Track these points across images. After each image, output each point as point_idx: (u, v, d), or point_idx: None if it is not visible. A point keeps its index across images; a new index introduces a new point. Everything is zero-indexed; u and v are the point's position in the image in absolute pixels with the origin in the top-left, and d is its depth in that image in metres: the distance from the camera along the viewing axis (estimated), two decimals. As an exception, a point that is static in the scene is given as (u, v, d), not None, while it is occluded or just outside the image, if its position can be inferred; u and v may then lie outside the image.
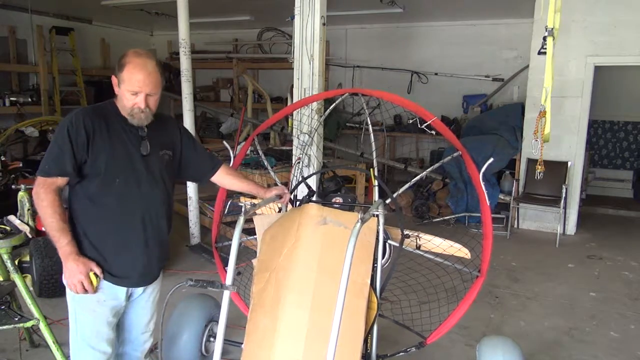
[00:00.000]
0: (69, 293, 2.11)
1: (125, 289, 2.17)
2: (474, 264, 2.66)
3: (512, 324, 3.85)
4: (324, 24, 4.36)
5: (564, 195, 5.90)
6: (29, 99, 8.08)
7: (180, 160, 2.35)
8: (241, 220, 2.26)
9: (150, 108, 2.09)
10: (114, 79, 2.07)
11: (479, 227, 6.31)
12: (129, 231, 2.11)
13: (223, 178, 2.50)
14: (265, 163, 3.29)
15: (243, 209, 2.34)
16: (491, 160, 2.60)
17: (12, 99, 7.87)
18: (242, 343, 2.50)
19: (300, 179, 2.91)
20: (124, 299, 2.19)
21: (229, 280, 2.12)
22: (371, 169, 2.65)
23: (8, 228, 2.87)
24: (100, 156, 2.02)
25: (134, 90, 2.01)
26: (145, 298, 2.32)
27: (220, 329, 2.09)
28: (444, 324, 2.67)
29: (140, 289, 2.27)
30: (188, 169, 2.39)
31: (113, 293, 2.13)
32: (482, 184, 2.53)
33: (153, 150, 2.15)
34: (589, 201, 7.55)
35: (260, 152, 3.31)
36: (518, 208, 6.54)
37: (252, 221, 2.65)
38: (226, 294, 2.13)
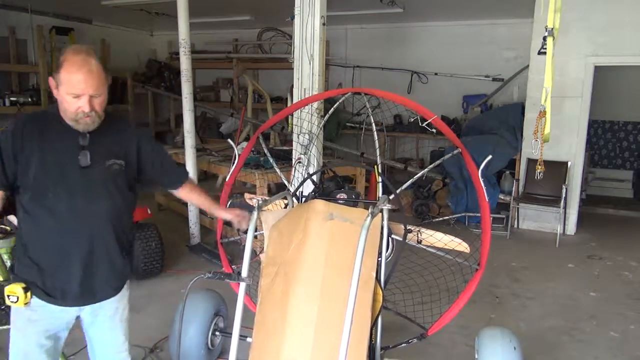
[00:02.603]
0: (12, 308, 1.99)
1: (66, 309, 2.01)
2: (473, 257, 2.71)
3: (512, 324, 3.85)
4: (324, 24, 4.35)
5: (564, 195, 5.90)
6: (29, 99, 8.08)
7: (141, 169, 2.12)
8: (255, 215, 2.30)
9: (97, 111, 1.87)
10: (51, 82, 1.87)
11: (479, 227, 6.30)
12: (66, 248, 1.93)
13: (187, 193, 2.37)
14: (271, 161, 3.32)
15: (256, 204, 2.37)
16: (490, 157, 2.64)
17: (12, 99, 7.87)
18: (246, 336, 2.52)
19: (302, 177, 2.93)
20: (65, 321, 2.04)
21: (244, 272, 2.15)
22: (375, 166, 2.67)
23: (8, 228, 2.87)
24: (30, 167, 1.85)
25: (75, 92, 1.81)
26: (109, 318, 2.14)
27: (237, 321, 2.13)
28: (444, 316, 2.73)
29: (87, 309, 2.07)
30: (151, 179, 2.18)
31: (47, 312, 1.96)
32: (481, 180, 2.58)
33: (97, 160, 1.93)
34: (589, 201, 7.55)
35: (267, 151, 3.35)
36: (518, 208, 6.54)
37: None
38: (242, 286, 2.16)
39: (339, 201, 2.59)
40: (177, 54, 5.37)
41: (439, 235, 2.70)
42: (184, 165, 5.03)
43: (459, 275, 2.92)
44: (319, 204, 2.40)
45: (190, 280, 2.01)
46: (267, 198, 2.62)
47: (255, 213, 2.31)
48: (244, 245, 2.24)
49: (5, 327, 2.68)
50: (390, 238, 2.51)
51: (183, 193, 2.35)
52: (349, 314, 1.82)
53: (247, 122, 7.85)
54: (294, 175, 3.85)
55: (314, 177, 2.92)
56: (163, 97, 10.54)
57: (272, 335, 2.18)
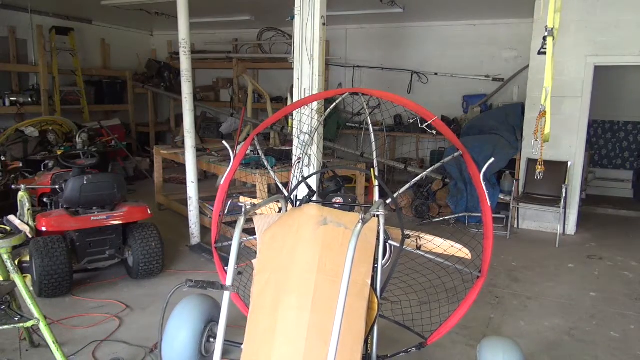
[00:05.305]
0: None
1: None
2: (474, 264, 2.65)
3: (512, 324, 3.85)
4: (324, 24, 4.35)
5: (564, 195, 5.90)
6: (29, 99, 8.09)
7: None
8: (241, 220, 2.22)
9: None
10: None
11: (479, 227, 6.32)
12: None
13: None
14: (265, 163, 3.24)
15: (243, 209, 2.29)
16: (492, 160, 2.59)
17: (12, 99, 7.88)
18: (242, 344, 2.49)
19: (300, 179, 2.90)
20: None
21: (229, 281, 2.09)
22: (372, 169, 2.64)
23: (8, 228, 2.87)
24: None
25: None
26: None
27: (221, 330, 2.07)
28: (444, 325, 2.65)
29: None
30: None
31: None
32: (483, 184, 2.52)
33: None
34: (589, 201, 7.55)
35: (261, 152, 3.26)
36: (518, 208, 6.54)
37: (253, 221, 2.63)
38: (226, 295, 2.10)
39: (335, 205, 2.52)
40: (177, 54, 5.37)
41: (438, 240, 2.60)
42: None
43: (459, 280, 2.89)
44: (313, 209, 2.35)
45: (188, 283, 1.97)
46: (256, 203, 2.53)
47: (241, 219, 2.21)
48: (244, 246, 2.22)
49: (4, 327, 2.68)
50: (387, 244, 2.44)
51: None
52: (337, 323, 1.73)
53: (247, 122, 7.85)
54: (294, 175, 3.83)
55: (311, 179, 2.87)
56: (163, 97, 10.54)
57: (262, 345, 2.13)
